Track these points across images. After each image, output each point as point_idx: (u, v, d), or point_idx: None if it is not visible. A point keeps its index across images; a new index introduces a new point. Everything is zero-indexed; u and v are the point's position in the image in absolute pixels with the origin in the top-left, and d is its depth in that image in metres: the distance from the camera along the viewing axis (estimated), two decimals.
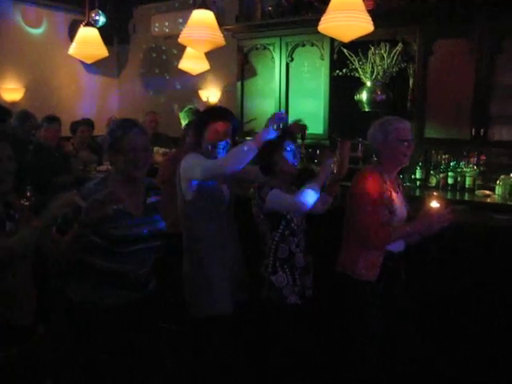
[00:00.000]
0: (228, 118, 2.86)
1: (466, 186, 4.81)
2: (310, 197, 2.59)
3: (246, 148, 2.58)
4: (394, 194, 2.70)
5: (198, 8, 4.11)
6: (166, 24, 7.41)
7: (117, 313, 2.32)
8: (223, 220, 2.88)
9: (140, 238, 2.33)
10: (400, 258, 2.79)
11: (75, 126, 5.97)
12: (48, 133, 4.70)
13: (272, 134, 2.61)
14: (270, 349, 2.84)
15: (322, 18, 3.35)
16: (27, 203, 3.30)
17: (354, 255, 2.72)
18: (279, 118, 2.65)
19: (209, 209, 2.82)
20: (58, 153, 4.83)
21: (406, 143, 2.66)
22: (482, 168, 4.87)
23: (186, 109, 5.00)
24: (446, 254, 3.11)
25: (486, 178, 4.84)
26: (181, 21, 6.92)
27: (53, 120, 4.80)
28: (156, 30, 7.59)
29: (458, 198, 4.65)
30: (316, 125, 5.26)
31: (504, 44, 4.59)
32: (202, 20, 4.05)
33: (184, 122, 4.74)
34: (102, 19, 6.61)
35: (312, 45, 5.58)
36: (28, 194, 3.37)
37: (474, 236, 3.17)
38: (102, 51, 5.02)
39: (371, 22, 3.32)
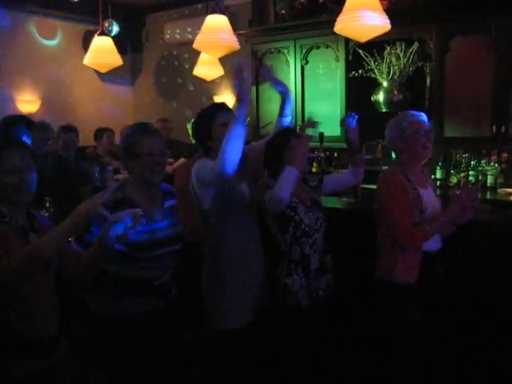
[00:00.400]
0: (228, 108, 2.77)
1: (488, 185, 4.73)
2: (283, 189, 2.52)
3: (233, 132, 2.41)
4: (422, 191, 2.62)
5: (211, 13, 4.09)
6: (179, 31, 7.41)
7: (140, 322, 2.30)
8: (247, 223, 2.76)
9: (161, 243, 2.32)
10: (438, 257, 2.72)
11: (101, 132, 5.99)
12: (65, 143, 4.70)
13: (245, 106, 2.46)
14: (285, 352, 2.77)
15: (338, 19, 3.30)
16: (46, 214, 3.30)
17: (391, 260, 2.65)
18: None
19: (230, 214, 2.68)
20: (77, 163, 4.81)
21: (424, 135, 2.60)
22: (503, 166, 4.79)
23: (192, 120, 4.91)
24: (473, 254, 3.05)
25: (508, 176, 4.76)
26: (193, 27, 6.90)
27: (69, 130, 4.80)
28: (169, 37, 7.59)
29: (480, 197, 4.56)
30: (333, 127, 5.20)
31: None
32: (216, 25, 4.03)
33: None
34: (115, 28, 6.62)
35: (327, 47, 5.54)
36: (47, 204, 3.38)
37: (501, 235, 3.11)
38: (116, 60, 5.02)
39: (388, 21, 3.27)
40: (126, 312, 2.28)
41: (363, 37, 3.44)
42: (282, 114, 2.98)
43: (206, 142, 2.69)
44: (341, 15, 3.30)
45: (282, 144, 2.68)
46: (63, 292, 2.16)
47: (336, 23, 3.33)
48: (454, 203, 2.53)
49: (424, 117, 2.70)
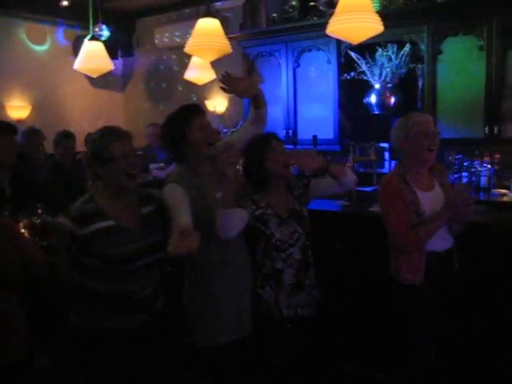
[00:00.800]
0: (203, 110, 2.54)
1: (482, 186, 4.73)
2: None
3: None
4: (421, 194, 2.61)
5: (203, 17, 4.06)
6: (170, 35, 7.39)
7: (120, 337, 2.19)
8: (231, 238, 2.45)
9: (141, 253, 2.19)
10: (449, 256, 2.69)
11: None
12: (66, 149, 4.67)
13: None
14: (258, 364, 2.58)
15: (330, 21, 3.29)
16: (38, 221, 3.25)
17: (397, 260, 2.67)
18: None
19: (211, 234, 2.31)
20: (74, 171, 4.75)
21: (428, 136, 2.58)
22: (496, 167, 4.80)
23: None
24: (470, 254, 3.04)
25: (501, 177, 4.76)
26: (183, 32, 6.89)
27: (69, 136, 4.77)
28: (159, 41, 7.56)
29: (474, 198, 4.57)
30: (326, 130, 5.19)
31: None
32: (208, 28, 3.99)
33: None
34: (105, 33, 6.60)
35: (318, 49, 5.53)
36: (39, 211, 3.33)
37: (495, 236, 3.11)
38: (107, 65, 4.98)
39: (381, 23, 3.26)
40: (109, 327, 2.17)
41: (356, 39, 3.42)
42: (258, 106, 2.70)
43: (181, 148, 2.46)
44: (333, 17, 3.29)
45: (263, 147, 2.57)
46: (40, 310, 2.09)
47: (328, 25, 3.31)
48: (445, 205, 2.54)
49: (430, 118, 2.69)
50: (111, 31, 6.77)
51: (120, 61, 8.02)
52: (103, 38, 6.38)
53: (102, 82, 7.45)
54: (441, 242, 2.62)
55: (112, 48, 6.22)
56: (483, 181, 4.72)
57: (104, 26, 6.57)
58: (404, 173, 2.64)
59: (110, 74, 5.42)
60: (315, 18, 5.43)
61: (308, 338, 2.62)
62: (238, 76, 2.80)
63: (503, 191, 4.56)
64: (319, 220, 2.77)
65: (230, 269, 2.49)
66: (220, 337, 2.48)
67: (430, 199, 2.63)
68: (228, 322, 2.48)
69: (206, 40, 3.98)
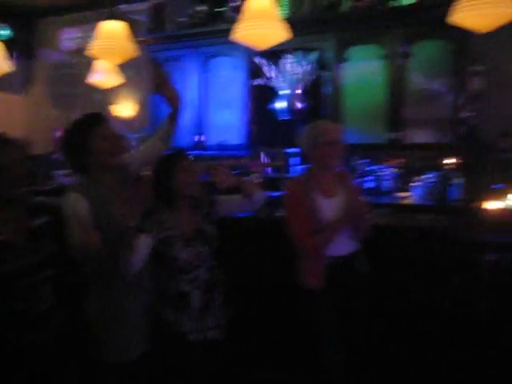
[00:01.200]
0: (107, 119, 2.44)
1: (385, 190, 4.91)
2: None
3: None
4: (322, 201, 2.64)
5: (106, 19, 3.94)
6: (73, 37, 7.14)
7: (14, 358, 2.05)
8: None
9: (28, 271, 2.05)
10: (351, 261, 2.73)
11: None
12: None
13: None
14: None
15: (236, 27, 3.28)
16: None
17: (300, 265, 2.70)
18: None
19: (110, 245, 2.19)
20: None
21: (329, 144, 2.64)
22: (399, 171, 4.99)
23: None
24: (373, 257, 3.12)
25: (404, 181, 4.96)
26: (88, 34, 6.67)
27: None
28: (63, 43, 7.29)
29: (378, 201, 4.73)
30: (236, 135, 5.19)
31: (413, 49, 4.74)
32: (112, 31, 3.88)
33: None
34: (5, 33, 6.27)
35: (227, 55, 5.53)
36: None
37: (398, 237, 3.23)
38: (6, 66, 4.73)
39: (287, 30, 3.29)
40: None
41: (261, 45, 3.43)
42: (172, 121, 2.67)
43: (82, 157, 2.34)
44: (239, 23, 3.29)
45: (172, 165, 2.50)
46: None
47: (234, 31, 3.31)
48: (343, 212, 2.60)
49: (338, 127, 2.76)
50: (11, 31, 6.45)
51: (20, 62, 7.63)
52: (3, 38, 6.07)
53: (1, 83, 7.05)
54: (343, 246, 2.67)
55: (12, 49, 5.93)
56: (386, 184, 4.90)
57: (4, 25, 6.24)
58: (308, 178, 2.68)
59: (9, 75, 5.14)
60: (223, 24, 5.41)
61: (218, 361, 2.54)
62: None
63: (405, 194, 4.76)
64: (227, 224, 2.73)
65: (139, 285, 2.39)
66: (129, 352, 2.38)
67: (331, 206, 2.67)
68: (137, 338, 2.39)
69: (110, 43, 3.87)
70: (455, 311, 3.08)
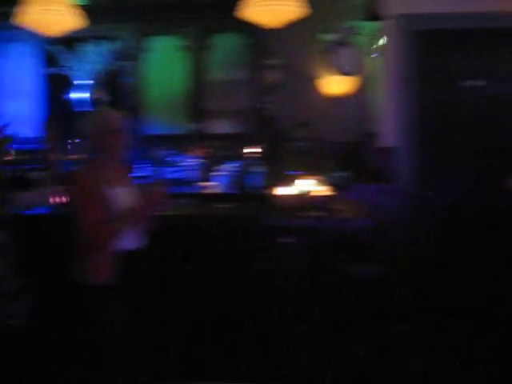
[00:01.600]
0: None
1: (189, 180, 4.99)
2: None
3: None
4: (111, 190, 2.57)
5: None
6: None
7: None
8: None
9: None
10: (141, 256, 2.70)
11: None
12: None
13: None
14: None
15: (19, 10, 3.06)
16: None
17: (82, 261, 2.56)
18: None
19: None
20: None
21: (115, 132, 2.62)
22: (202, 161, 5.10)
23: None
24: (172, 249, 3.16)
25: (208, 171, 5.08)
26: None
27: None
28: None
29: (181, 191, 4.78)
30: (31, 127, 4.87)
31: (213, 41, 4.89)
32: None
33: None
34: None
35: (18, 41, 5.10)
36: None
37: (202, 226, 3.30)
38: None
39: (81, 17, 3.15)
40: None
41: (51, 32, 3.27)
42: None
43: None
44: (22, 6, 3.07)
45: None
46: None
47: (16, 14, 3.08)
48: (132, 204, 2.59)
49: (120, 115, 2.71)
50: None
51: None
52: None
53: None
54: (133, 240, 2.64)
55: None
56: (190, 175, 4.98)
57: None
58: (97, 167, 2.62)
59: None
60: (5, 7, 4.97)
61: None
62: None
63: (207, 184, 4.88)
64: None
65: None
66: None
67: (121, 195, 2.63)
68: None
69: None
70: (260, 294, 3.25)
